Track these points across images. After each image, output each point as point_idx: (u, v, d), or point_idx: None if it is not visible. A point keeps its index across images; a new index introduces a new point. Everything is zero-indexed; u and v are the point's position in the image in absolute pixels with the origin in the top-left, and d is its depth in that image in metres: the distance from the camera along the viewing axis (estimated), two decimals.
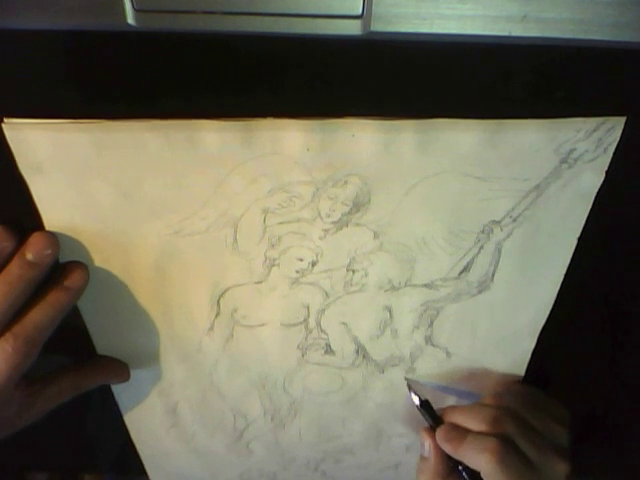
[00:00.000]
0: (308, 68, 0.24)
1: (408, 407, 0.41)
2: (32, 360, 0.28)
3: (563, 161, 0.28)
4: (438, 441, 0.34)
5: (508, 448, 0.32)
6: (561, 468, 0.33)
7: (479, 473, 0.32)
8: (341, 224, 0.30)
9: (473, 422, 0.34)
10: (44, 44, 0.23)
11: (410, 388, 0.38)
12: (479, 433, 0.33)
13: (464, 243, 0.31)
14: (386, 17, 0.22)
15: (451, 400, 0.40)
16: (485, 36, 0.23)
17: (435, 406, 0.37)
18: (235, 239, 0.30)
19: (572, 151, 0.27)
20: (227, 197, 0.28)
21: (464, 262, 0.32)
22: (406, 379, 0.38)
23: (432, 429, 0.36)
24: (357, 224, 0.30)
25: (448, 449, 0.34)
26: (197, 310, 0.33)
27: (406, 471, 0.47)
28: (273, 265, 0.31)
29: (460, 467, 0.34)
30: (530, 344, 0.37)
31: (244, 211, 0.29)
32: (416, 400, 0.37)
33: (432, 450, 0.35)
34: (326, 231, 0.30)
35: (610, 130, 0.27)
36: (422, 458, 0.36)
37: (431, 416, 0.36)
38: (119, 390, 0.38)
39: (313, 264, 0.31)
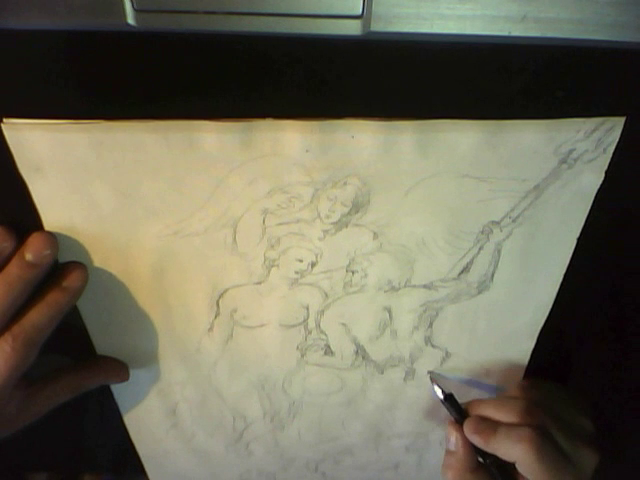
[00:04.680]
0: (308, 68, 0.24)
1: (408, 407, 0.41)
2: (31, 360, 0.28)
3: (562, 161, 0.28)
4: (467, 434, 0.34)
5: (544, 438, 0.31)
6: (592, 460, 0.32)
7: (509, 466, 0.32)
8: (340, 225, 0.30)
9: (502, 414, 0.33)
10: (44, 44, 0.23)
11: (434, 381, 0.37)
12: (511, 424, 0.33)
13: (464, 244, 0.31)
14: (386, 17, 0.22)
15: (474, 393, 0.39)
16: (485, 36, 0.23)
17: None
18: (234, 240, 0.30)
19: (571, 151, 0.27)
20: (226, 198, 0.28)
21: (464, 262, 0.32)
22: (429, 373, 0.38)
23: (457, 423, 0.35)
24: (357, 225, 0.30)
25: (478, 441, 0.33)
26: (196, 311, 0.33)
27: (406, 471, 0.47)
28: (272, 266, 0.31)
29: (488, 461, 0.34)
30: (530, 344, 0.37)
31: (243, 212, 0.29)
32: (440, 394, 0.36)
33: (460, 443, 0.34)
34: (325, 232, 0.30)
35: (610, 130, 0.27)
36: (448, 453, 0.36)
37: (456, 410, 0.36)
38: (119, 390, 0.38)
39: (312, 265, 0.31)
